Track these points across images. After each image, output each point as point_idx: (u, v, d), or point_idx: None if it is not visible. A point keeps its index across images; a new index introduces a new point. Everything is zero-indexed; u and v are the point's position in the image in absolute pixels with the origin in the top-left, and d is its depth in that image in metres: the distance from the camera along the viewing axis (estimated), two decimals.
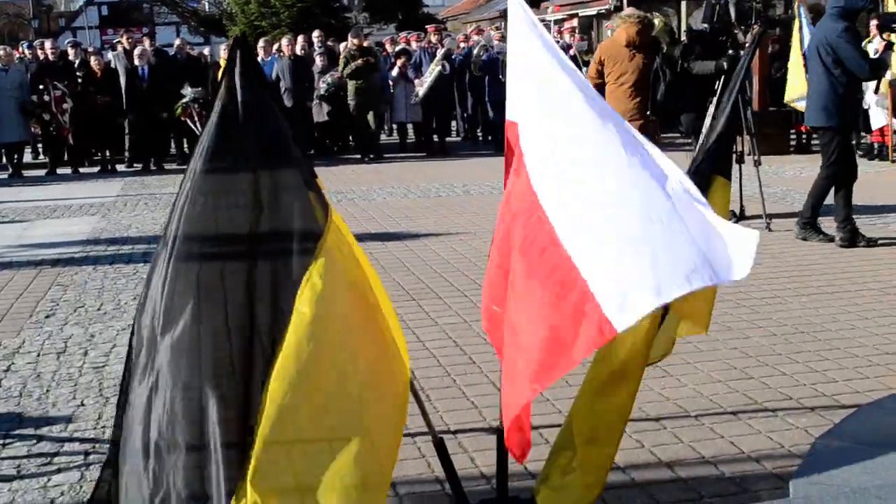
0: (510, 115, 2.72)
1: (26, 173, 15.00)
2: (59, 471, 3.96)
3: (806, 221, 8.03)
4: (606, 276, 2.10)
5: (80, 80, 14.62)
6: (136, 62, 14.91)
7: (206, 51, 17.85)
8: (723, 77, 8.31)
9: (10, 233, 9.81)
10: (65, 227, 10.09)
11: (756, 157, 8.75)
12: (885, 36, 10.73)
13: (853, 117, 8.12)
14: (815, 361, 5.00)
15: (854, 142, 12.90)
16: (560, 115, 2.51)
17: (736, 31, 8.54)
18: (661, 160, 2.29)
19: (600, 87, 9.23)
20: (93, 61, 14.81)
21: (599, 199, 2.25)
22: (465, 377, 4.90)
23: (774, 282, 6.70)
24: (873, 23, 11.79)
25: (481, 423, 4.26)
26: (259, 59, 15.29)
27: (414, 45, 16.96)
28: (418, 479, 3.73)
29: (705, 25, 8.90)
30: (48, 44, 15.63)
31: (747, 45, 8.46)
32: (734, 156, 8.22)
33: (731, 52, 8.47)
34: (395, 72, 15.99)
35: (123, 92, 14.69)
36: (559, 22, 22.58)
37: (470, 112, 17.42)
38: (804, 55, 9.97)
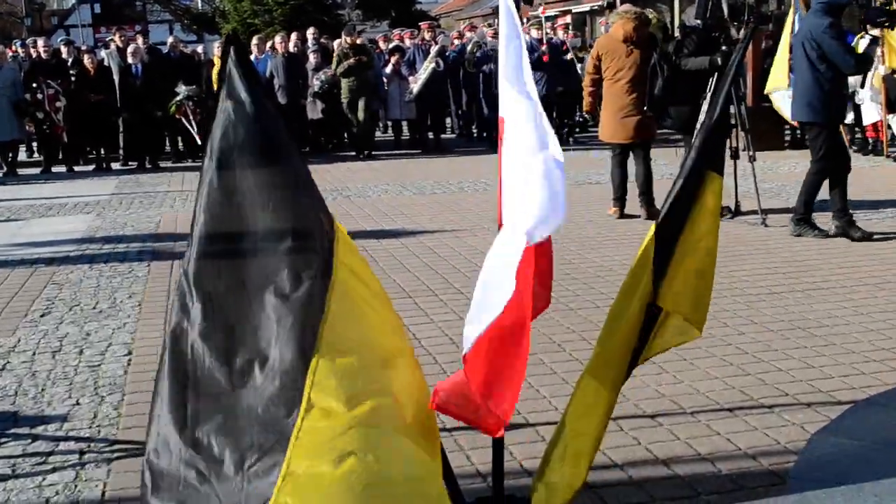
0: (502, 111, 2.73)
1: (21, 172, 14.96)
2: (54, 470, 3.95)
3: (800, 217, 8.05)
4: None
5: (73, 79, 14.58)
6: (130, 60, 14.87)
7: (199, 48, 17.81)
8: (716, 73, 8.34)
9: (5, 231, 9.78)
10: (60, 225, 10.06)
11: (751, 153, 8.75)
12: (869, 30, 10.77)
13: (839, 112, 8.15)
14: (811, 357, 5.00)
15: (849, 137, 12.96)
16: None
17: (729, 27, 8.54)
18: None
19: (598, 83, 9.25)
20: (86, 59, 14.78)
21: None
22: None
23: (770, 278, 6.71)
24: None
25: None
26: (252, 56, 15.29)
27: (407, 42, 16.95)
28: None
29: (698, 21, 8.91)
30: (41, 42, 15.62)
31: (740, 40, 8.46)
32: (729, 152, 8.25)
33: (724, 48, 8.48)
34: (388, 69, 15.99)
35: (117, 90, 14.66)
36: (552, 18, 22.55)
37: (464, 109, 17.41)
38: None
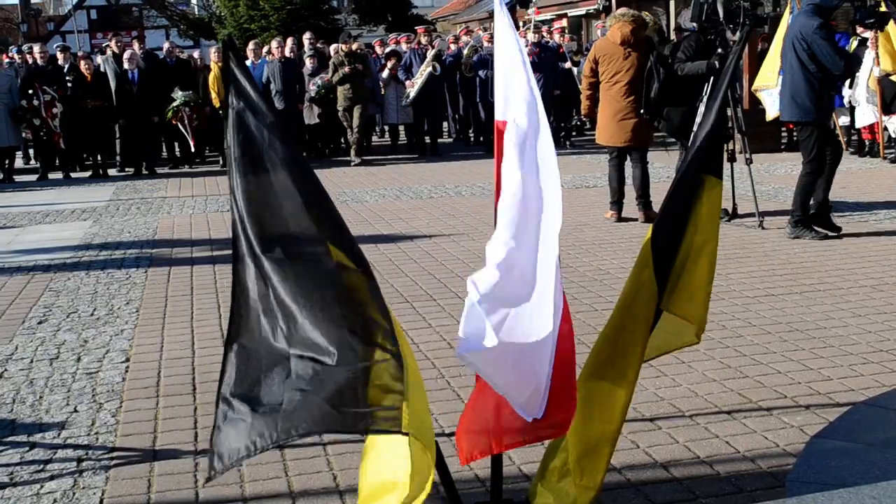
0: (499, 114, 2.74)
1: (17, 178, 14.96)
2: (51, 478, 3.94)
3: (797, 219, 8.06)
4: None
5: (69, 85, 14.57)
6: (126, 66, 14.87)
7: (195, 54, 17.81)
8: (713, 76, 8.35)
9: (2, 238, 9.77)
10: (57, 232, 10.05)
11: (747, 156, 8.76)
12: (859, 31, 10.81)
13: (829, 111, 8.21)
14: (810, 359, 5.00)
15: (845, 139, 12.97)
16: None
17: (724, 30, 8.55)
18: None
19: (595, 86, 9.25)
20: (82, 65, 14.77)
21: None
22: (459, 379, 4.89)
23: (767, 280, 6.71)
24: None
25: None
26: (249, 62, 15.30)
27: (404, 46, 16.96)
28: None
29: (694, 24, 8.92)
30: (37, 48, 15.60)
31: (735, 43, 8.47)
32: (726, 154, 8.26)
33: (720, 50, 8.48)
34: (385, 73, 15.99)
35: (114, 96, 14.66)
36: (548, 22, 22.57)
37: (461, 113, 17.42)
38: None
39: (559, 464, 2.93)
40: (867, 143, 13.36)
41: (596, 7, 23.83)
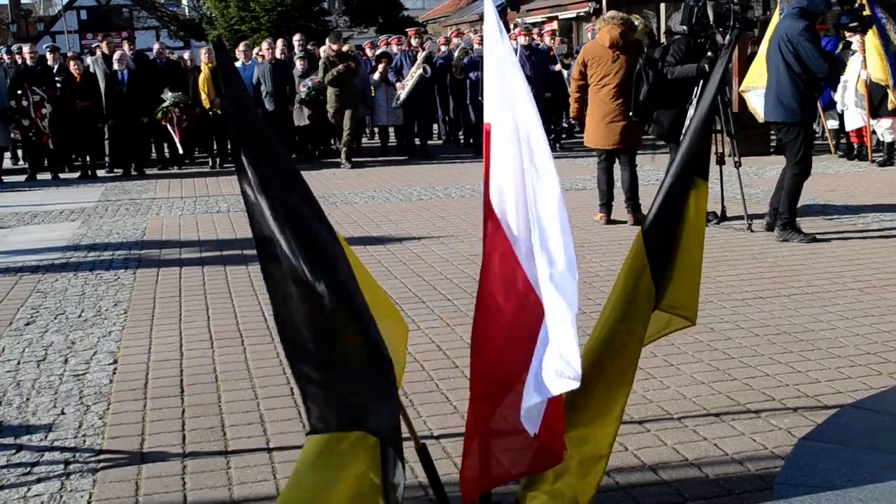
0: (487, 117, 2.73)
1: (6, 179, 14.88)
2: (38, 480, 3.93)
3: (785, 222, 8.08)
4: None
5: (59, 85, 14.51)
6: (116, 66, 14.82)
7: (186, 55, 17.77)
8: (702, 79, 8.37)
9: None
10: (45, 233, 10.02)
11: (736, 159, 8.78)
12: (847, 36, 10.85)
13: (813, 113, 8.28)
14: (798, 362, 5.02)
15: (834, 142, 13.01)
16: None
17: (714, 33, 8.57)
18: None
19: (584, 89, 9.26)
20: (72, 66, 14.71)
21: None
22: (449, 381, 4.89)
23: (756, 283, 6.73)
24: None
25: (464, 429, 4.24)
26: (239, 63, 15.28)
27: (395, 48, 16.95)
28: None
29: (684, 27, 8.94)
30: (27, 49, 15.53)
31: (725, 46, 8.49)
32: (714, 157, 8.29)
33: (710, 53, 8.51)
34: (376, 75, 15.99)
35: (103, 97, 14.61)
36: (538, 24, 22.58)
37: (451, 115, 17.41)
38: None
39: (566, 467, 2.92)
40: (856, 146, 13.41)
41: (586, 10, 23.85)
